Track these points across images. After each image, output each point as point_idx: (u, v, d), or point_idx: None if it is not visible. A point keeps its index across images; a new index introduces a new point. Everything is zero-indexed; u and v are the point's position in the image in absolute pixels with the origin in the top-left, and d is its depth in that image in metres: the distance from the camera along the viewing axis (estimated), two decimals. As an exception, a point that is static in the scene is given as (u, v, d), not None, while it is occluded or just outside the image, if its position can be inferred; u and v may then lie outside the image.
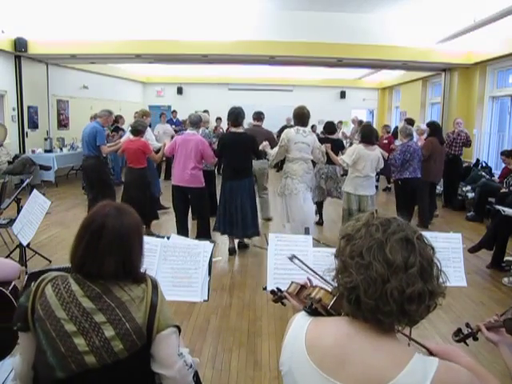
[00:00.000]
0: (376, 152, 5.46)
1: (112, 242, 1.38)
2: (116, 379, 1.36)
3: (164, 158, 7.46)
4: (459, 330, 1.66)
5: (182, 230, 5.53)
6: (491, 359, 3.06)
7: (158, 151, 6.30)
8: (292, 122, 5.76)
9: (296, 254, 1.65)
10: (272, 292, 1.77)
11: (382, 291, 0.98)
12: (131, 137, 6.06)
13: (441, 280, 1.03)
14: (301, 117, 5.19)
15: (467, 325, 1.64)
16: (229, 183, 5.28)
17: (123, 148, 5.92)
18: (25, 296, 1.40)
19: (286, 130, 5.30)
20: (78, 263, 1.39)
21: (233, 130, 5.38)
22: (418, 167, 6.42)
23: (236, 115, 5.31)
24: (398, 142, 6.57)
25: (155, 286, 1.44)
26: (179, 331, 1.46)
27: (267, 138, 5.92)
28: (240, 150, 5.22)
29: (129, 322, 1.33)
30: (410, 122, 8.77)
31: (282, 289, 1.72)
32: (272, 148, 5.38)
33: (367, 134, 5.50)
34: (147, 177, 5.97)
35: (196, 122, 5.64)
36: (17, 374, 1.46)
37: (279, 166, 12.87)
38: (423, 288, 0.98)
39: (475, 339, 1.61)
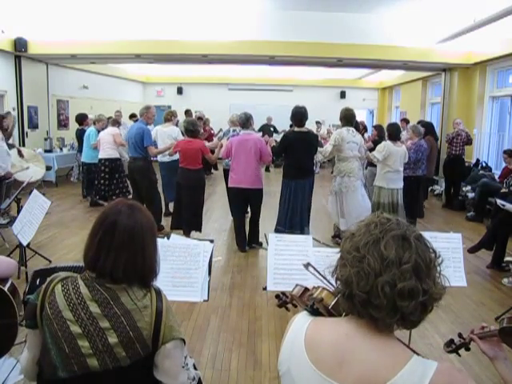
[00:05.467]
0: (403, 148, 5.98)
1: (124, 240, 1.38)
2: None
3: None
4: (451, 341, 1.61)
5: (241, 235, 5.58)
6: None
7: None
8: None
9: (294, 255, 1.65)
10: (277, 296, 1.76)
11: (373, 284, 0.98)
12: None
13: (439, 283, 1.02)
14: (349, 118, 5.63)
15: (460, 335, 1.58)
16: (294, 182, 5.30)
17: (178, 148, 5.68)
18: (35, 294, 1.41)
19: (338, 130, 5.68)
20: (91, 260, 1.39)
21: (297, 129, 5.41)
22: (426, 164, 6.98)
23: (301, 115, 5.36)
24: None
25: (159, 292, 1.44)
26: (184, 343, 1.44)
27: None
28: (305, 148, 5.27)
29: (133, 331, 1.33)
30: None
31: (287, 293, 1.71)
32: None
33: (394, 132, 5.98)
34: (204, 178, 5.83)
35: (245, 122, 5.59)
36: (22, 368, 1.48)
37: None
38: (416, 285, 0.97)
39: (467, 349, 1.55)
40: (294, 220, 5.32)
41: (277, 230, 5.38)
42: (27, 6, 8.42)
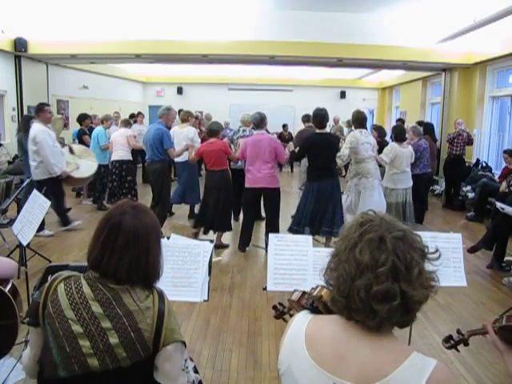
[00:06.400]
0: (409, 148, 6.22)
1: (128, 241, 1.39)
2: None
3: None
4: (450, 337, 1.63)
5: (248, 235, 5.53)
6: (492, 360, 3.06)
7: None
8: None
9: (294, 255, 1.65)
10: (274, 307, 1.75)
11: (350, 289, 1.00)
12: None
13: (425, 282, 1.01)
14: (361, 120, 5.81)
15: (458, 331, 1.61)
16: (317, 184, 5.23)
17: (201, 151, 5.57)
18: (38, 292, 1.42)
19: (352, 133, 5.85)
20: (94, 260, 1.40)
21: (318, 131, 5.39)
22: (427, 163, 7.00)
23: (322, 117, 5.33)
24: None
25: (161, 294, 1.44)
26: (184, 346, 1.45)
27: None
28: (327, 150, 5.23)
29: (134, 333, 1.33)
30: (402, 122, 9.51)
31: (284, 303, 1.71)
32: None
33: (399, 133, 6.25)
34: (230, 179, 5.73)
35: (259, 122, 5.52)
36: (24, 365, 1.49)
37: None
38: (392, 287, 0.97)
39: (466, 345, 1.58)
40: (314, 221, 5.20)
41: (292, 230, 5.24)
42: (27, 6, 8.41)
